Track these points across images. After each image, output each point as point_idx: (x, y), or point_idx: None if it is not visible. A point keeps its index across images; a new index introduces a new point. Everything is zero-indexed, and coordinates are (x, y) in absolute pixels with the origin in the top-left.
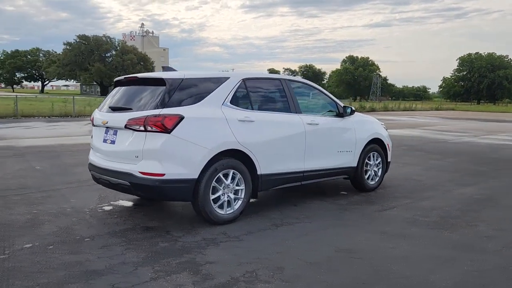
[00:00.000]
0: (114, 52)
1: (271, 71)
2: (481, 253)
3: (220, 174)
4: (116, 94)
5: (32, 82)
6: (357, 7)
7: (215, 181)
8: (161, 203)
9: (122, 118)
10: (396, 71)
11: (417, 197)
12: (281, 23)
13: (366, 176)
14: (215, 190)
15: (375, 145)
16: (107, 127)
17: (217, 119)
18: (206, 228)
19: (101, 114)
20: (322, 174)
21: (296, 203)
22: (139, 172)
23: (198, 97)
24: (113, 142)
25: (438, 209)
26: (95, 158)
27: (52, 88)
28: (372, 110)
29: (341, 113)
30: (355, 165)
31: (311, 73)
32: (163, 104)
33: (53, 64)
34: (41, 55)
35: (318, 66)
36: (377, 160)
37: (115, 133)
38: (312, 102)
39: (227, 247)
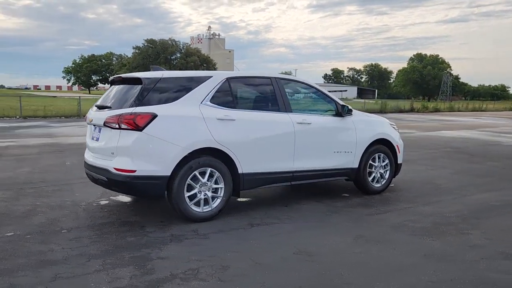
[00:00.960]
0: (178, 55)
1: (335, 71)
2: (453, 263)
3: (196, 172)
4: (106, 94)
5: (106, 85)
6: (430, 3)
7: (190, 179)
8: (157, 200)
9: (102, 116)
10: (472, 69)
11: (422, 202)
12: (349, 21)
13: (370, 178)
14: (190, 188)
15: (382, 146)
16: (94, 125)
17: (193, 118)
18: (181, 225)
19: (90, 113)
20: (315, 175)
21: (288, 204)
22: (114, 168)
23: (175, 96)
24: (97, 139)
25: (437, 215)
26: (86, 155)
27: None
28: (435, 111)
29: (340, 113)
30: (356, 166)
31: (377, 72)
32: (137, 103)
33: (124, 67)
34: (114, 58)
35: (385, 65)
36: (383, 161)
37: (99, 131)
38: (308, 101)
39: (188, 244)
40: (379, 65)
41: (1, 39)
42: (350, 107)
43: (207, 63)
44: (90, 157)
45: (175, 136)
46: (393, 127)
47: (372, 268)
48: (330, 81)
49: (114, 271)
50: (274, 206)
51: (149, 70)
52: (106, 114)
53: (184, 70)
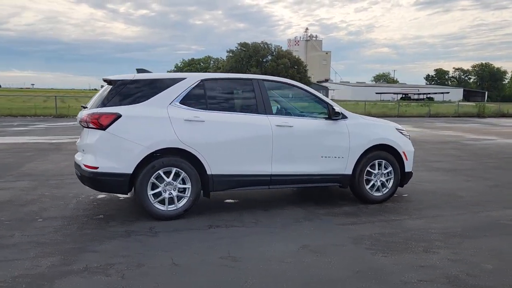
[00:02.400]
0: (270, 58)
1: (438, 71)
2: (380, 283)
3: (160, 172)
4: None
5: None
6: None
7: (155, 178)
8: None
9: (80, 116)
10: None
11: (419, 215)
12: (461, 18)
13: (368, 186)
14: (155, 187)
15: (383, 152)
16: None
17: (159, 118)
18: (144, 221)
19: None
20: (299, 180)
21: (270, 208)
22: (83, 164)
23: (144, 97)
24: (80, 137)
25: (420, 230)
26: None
27: None
28: None
29: (331, 116)
30: (350, 173)
31: (487, 73)
32: (105, 103)
33: (218, 70)
34: (211, 62)
35: (499, 64)
36: (385, 169)
37: (82, 129)
38: (294, 103)
39: (131, 240)
40: (491, 64)
41: (122, 46)
42: (337, 109)
43: (298, 65)
44: (76, 155)
45: (138, 136)
46: (401, 133)
47: (285, 278)
48: (432, 82)
49: (41, 259)
50: (253, 210)
51: (242, 72)
52: (82, 113)
53: (274, 72)
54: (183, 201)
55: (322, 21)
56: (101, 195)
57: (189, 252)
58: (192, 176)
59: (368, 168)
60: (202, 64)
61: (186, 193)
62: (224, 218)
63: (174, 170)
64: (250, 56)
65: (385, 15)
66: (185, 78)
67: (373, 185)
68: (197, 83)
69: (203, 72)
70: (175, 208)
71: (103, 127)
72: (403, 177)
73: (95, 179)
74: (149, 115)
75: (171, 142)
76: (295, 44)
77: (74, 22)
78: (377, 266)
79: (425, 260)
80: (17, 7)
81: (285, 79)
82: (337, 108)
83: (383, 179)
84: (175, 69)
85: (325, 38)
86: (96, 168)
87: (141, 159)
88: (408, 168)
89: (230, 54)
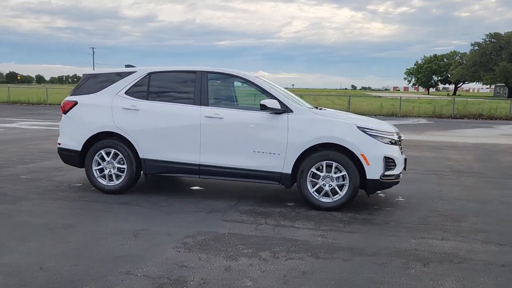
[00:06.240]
0: None
1: None
2: (97, 272)
3: (102, 152)
4: None
5: (447, 85)
6: None
7: (98, 157)
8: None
9: None
10: None
11: (333, 227)
12: None
13: (313, 190)
14: (99, 164)
15: (334, 153)
16: None
17: (103, 106)
18: (86, 192)
19: None
20: (230, 173)
21: (205, 198)
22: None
23: (99, 88)
24: None
25: (286, 240)
26: None
27: (470, 90)
28: None
29: (273, 110)
30: (288, 172)
31: None
32: (72, 93)
33: (459, 66)
34: (457, 57)
35: None
36: (338, 172)
37: None
38: (235, 95)
39: (50, 201)
40: None
41: (377, 45)
42: (282, 102)
43: None
44: None
45: (86, 120)
46: (365, 132)
47: (49, 247)
48: None
49: None
50: (187, 197)
51: (489, 68)
52: None
53: None
54: (120, 179)
55: None
56: None
57: (55, 216)
58: (126, 158)
59: (313, 169)
60: (445, 60)
61: (124, 172)
62: (147, 200)
63: (112, 151)
64: (501, 48)
65: None
66: (135, 72)
67: (321, 189)
68: (144, 75)
69: (447, 68)
70: (113, 184)
71: (65, 112)
72: (364, 184)
73: (59, 153)
74: (97, 103)
75: (108, 127)
76: None
77: (335, 26)
78: (137, 254)
79: (198, 263)
80: (288, 17)
81: (233, 70)
82: (273, 101)
83: (334, 184)
84: (415, 66)
85: None
86: (59, 144)
87: (86, 139)
88: (372, 174)
89: (475, 48)
